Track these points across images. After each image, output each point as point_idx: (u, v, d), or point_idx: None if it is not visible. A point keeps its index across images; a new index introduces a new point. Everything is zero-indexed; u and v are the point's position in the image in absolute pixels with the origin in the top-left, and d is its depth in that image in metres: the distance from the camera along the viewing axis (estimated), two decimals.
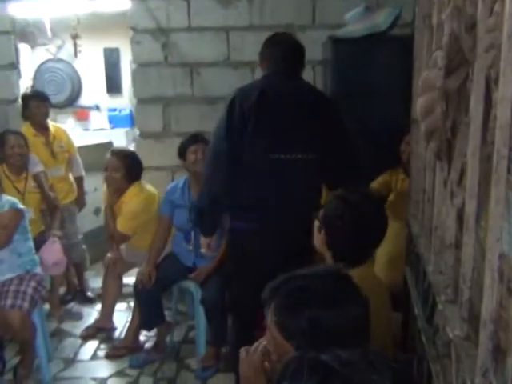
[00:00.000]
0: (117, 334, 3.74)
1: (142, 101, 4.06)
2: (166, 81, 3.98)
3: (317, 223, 1.93)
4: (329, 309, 1.21)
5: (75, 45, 5.63)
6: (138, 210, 3.47)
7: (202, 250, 2.73)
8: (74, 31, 5.45)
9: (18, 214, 3.07)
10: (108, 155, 3.52)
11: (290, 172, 2.48)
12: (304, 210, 2.50)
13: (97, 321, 3.80)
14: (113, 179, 3.46)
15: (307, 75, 3.95)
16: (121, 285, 3.77)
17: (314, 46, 3.87)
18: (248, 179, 2.44)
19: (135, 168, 3.52)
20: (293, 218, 2.51)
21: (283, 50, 2.66)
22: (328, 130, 2.55)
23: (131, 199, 3.48)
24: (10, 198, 3.11)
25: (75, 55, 5.76)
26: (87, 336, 3.68)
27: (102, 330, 3.74)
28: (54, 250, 3.40)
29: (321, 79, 3.97)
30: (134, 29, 3.95)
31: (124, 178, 3.45)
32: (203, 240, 2.69)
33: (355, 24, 3.50)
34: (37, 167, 3.72)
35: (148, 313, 3.35)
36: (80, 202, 4.31)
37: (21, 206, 3.10)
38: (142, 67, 4.00)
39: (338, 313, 1.20)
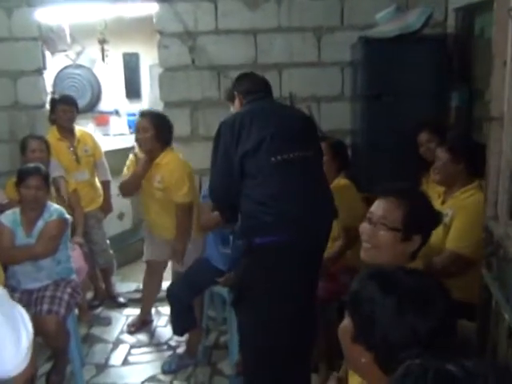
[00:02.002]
0: (146, 339, 3.71)
1: (169, 105, 4.04)
2: (193, 84, 3.97)
3: (395, 234, 1.79)
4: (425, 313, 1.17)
5: (103, 50, 5.61)
6: (184, 175, 3.36)
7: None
8: (102, 36, 5.44)
9: (64, 223, 3.08)
10: (137, 117, 3.51)
11: (302, 169, 2.48)
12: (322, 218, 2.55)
13: (140, 315, 3.90)
14: (144, 139, 3.34)
15: (336, 77, 3.96)
16: (160, 280, 3.88)
17: (343, 48, 3.88)
18: (258, 191, 2.42)
19: (165, 128, 3.39)
20: (317, 226, 2.52)
21: (256, 80, 2.82)
22: (308, 130, 2.67)
23: (171, 167, 3.34)
24: (57, 207, 3.11)
25: (103, 60, 5.75)
26: (135, 330, 3.80)
27: (144, 323, 3.88)
28: (74, 258, 3.36)
29: (349, 81, 3.94)
30: (161, 33, 3.94)
31: (155, 138, 3.33)
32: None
33: (386, 24, 3.48)
34: (56, 171, 3.70)
35: (179, 318, 3.31)
36: (106, 207, 4.28)
37: (67, 216, 3.10)
38: (169, 71, 3.99)
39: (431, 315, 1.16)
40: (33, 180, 2.98)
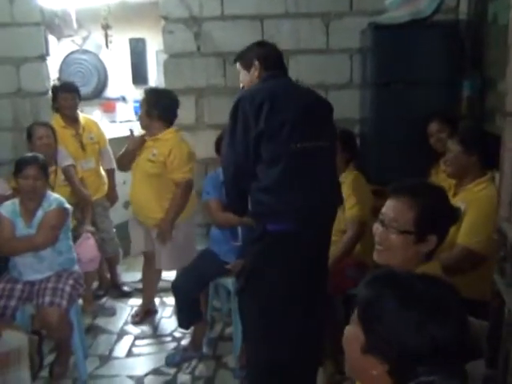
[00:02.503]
0: (151, 330, 3.68)
1: (174, 91, 3.96)
2: (198, 71, 3.89)
3: (407, 236, 1.72)
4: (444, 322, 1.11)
5: (106, 35, 5.54)
6: (184, 154, 3.33)
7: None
8: (105, 21, 5.36)
9: (64, 213, 3.04)
10: (143, 93, 3.47)
11: (320, 164, 2.40)
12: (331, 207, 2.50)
13: (142, 305, 3.87)
14: (140, 115, 3.40)
15: (344, 64, 3.87)
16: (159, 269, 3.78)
17: (352, 34, 3.80)
18: (274, 176, 2.30)
19: (159, 106, 3.32)
20: (327, 215, 2.49)
21: (277, 53, 2.61)
22: (328, 119, 2.56)
23: (169, 144, 3.31)
24: (57, 197, 3.07)
25: (106, 46, 5.68)
26: (139, 321, 3.76)
27: (148, 313, 3.84)
28: (88, 247, 3.36)
29: (358, 68, 3.84)
30: (166, 18, 3.86)
31: (146, 114, 3.32)
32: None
33: (397, 10, 3.39)
34: (66, 160, 3.67)
35: (185, 311, 3.27)
36: (112, 195, 4.24)
37: (67, 205, 3.06)
38: (174, 58, 3.92)
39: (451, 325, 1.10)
40: (30, 170, 2.93)
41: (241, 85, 2.62)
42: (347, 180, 3.07)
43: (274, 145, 2.28)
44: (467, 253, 2.32)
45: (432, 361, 1.09)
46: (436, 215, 1.71)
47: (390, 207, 1.74)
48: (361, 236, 2.99)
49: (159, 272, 3.83)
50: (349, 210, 2.99)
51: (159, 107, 3.33)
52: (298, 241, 2.33)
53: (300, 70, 3.85)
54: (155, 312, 3.90)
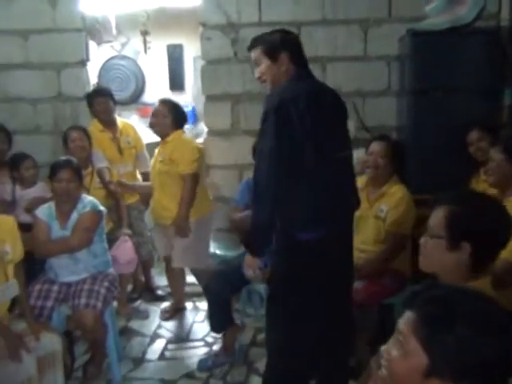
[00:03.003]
0: (183, 334, 3.69)
1: (210, 98, 4.00)
2: (235, 77, 3.91)
3: (428, 239, 1.71)
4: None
5: (145, 41, 5.61)
6: (188, 148, 3.50)
7: (249, 274, 2.45)
8: (144, 28, 5.43)
9: (98, 215, 3.07)
10: (156, 103, 3.65)
11: (344, 170, 2.40)
12: (353, 211, 2.50)
13: (172, 303, 3.98)
14: (159, 124, 3.53)
15: (382, 71, 3.83)
16: (182, 271, 3.91)
17: (390, 41, 3.76)
18: (311, 184, 2.26)
19: (181, 115, 3.60)
20: (348, 219, 2.48)
21: (299, 42, 2.45)
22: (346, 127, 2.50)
23: (175, 142, 3.50)
24: (91, 199, 3.12)
25: (145, 51, 5.75)
26: (169, 317, 3.87)
27: (178, 310, 3.93)
28: (126, 249, 3.40)
29: (396, 75, 3.80)
30: (204, 25, 3.90)
31: (171, 124, 3.51)
32: (250, 262, 2.41)
33: (437, 17, 3.36)
34: (100, 162, 3.73)
35: (217, 315, 3.27)
36: (147, 198, 4.27)
37: (101, 208, 3.10)
38: (211, 64, 3.94)
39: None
40: (64, 173, 2.98)
41: (257, 75, 2.40)
42: (390, 191, 3.00)
43: (314, 154, 2.21)
44: (509, 267, 2.26)
45: (477, 378, 1.06)
46: (470, 222, 1.64)
47: (431, 217, 1.71)
48: (401, 250, 2.93)
49: (181, 272, 3.91)
50: (391, 224, 2.92)
51: (184, 116, 3.60)
52: (327, 248, 2.30)
53: (337, 77, 3.84)
54: (184, 309, 3.99)
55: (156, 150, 3.68)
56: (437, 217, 1.66)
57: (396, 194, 2.96)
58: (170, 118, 3.51)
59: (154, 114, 3.57)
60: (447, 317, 1.10)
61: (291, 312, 2.38)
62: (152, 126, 3.61)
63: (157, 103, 3.66)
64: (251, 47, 2.42)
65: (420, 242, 1.75)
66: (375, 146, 3.01)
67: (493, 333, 1.07)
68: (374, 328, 2.86)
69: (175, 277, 3.91)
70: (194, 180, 3.47)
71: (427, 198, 3.04)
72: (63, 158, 3.20)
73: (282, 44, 2.34)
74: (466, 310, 1.11)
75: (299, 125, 2.15)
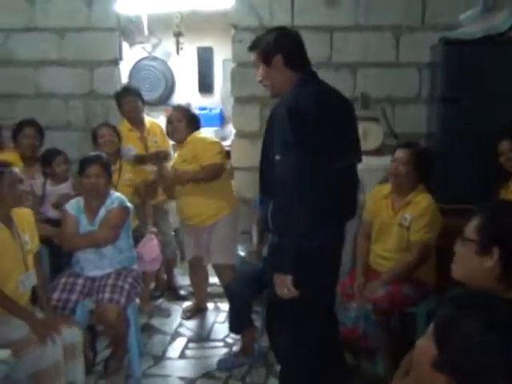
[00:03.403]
0: (204, 334, 3.71)
1: (239, 100, 4.02)
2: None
3: (463, 245, 1.67)
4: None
5: (177, 42, 5.66)
6: (208, 142, 3.57)
7: (283, 292, 2.31)
8: (178, 29, 5.48)
9: (125, 211, 3.11)
10: (171, 110, 3.73)
11: (350, 177, 2.37)
12: (352, 217, 2.49)
13: (195, 303, 4.01)
14: (177, 129, 3.58)
15: (413, 78, 3.81)
16: (205, 272, 3.99)
17: (422, 48, 3.74)
18: (317, 192, 2.16)
19: (194, 118, 3.66)
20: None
21: (302, 45, 2.32)
22: (357, 133, 2.44)
23: (193, 139, 3.56)
24: (119, 195, 3.16)
25: (177, 52, 5.80)
26: (190, 316, 3.90)
27: (200, 310, 3.97)
28: (152, 247, 3.44)
29: (427, 82, 3.78)
30: (235, 27, 3.92)
31: (187, 128, 3.56)
32: (281, 281, 2.27)
33: (471, 25, 3.32)
34: (131, 152, 3.86)
35: (237, 315, 3.28)
36: (171, 195, 4.28)
37: (128, 204, 3.14)
38: (241, 66, 3.96)
39: None
40: (93, 168, 3.02)
41: (258, 79, 2.35)
42: (416, 200, 2.95)
43: (325, 161, 2.16)
44: None
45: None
46: (501, 226, 1.62)
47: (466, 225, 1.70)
48: (424, 260, 2.90)
49: (205, 273, 3.98)
50: (415, 232, 2.88)
51: (197, 119, 3.68)
52: (330, 254, 2.33)
53: (367, 83, 3.83)
54: (206, 309, 4.02)
55: (175, 155, 3.75)
56: (471, 223, 1.65)
57: (421, 203, 2.91)
58: (185, 121, 3.57)
59: (169, 121, 3.65)
60: (455, 314, 1.12)
61: (296, 316, 2.37)
62: (169, 132, 3.68)
63: (171, 110, 3.74)
64: (250, 49, 2.35)
65: (454, 248, 1.73)
66: (398, 153, 2.99)
67: (498, 330, 1.07)
68: (396, 337, 2.84)
69: (199, 277, 3.95)
70: (213, 170, 3.48)
71: (454, 208, 3.02)
72: (93, 153, 3.25)
73: (275, 47, 2.25)
74: (474, 308, 1.11)
75: (310, 133, 2.10)
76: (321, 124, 2.12)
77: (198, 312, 3.96)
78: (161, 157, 3.84)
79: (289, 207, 2.16)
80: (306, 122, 2.09)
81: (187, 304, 4.07)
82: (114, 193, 3.17)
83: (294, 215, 2.15)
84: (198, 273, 3.92)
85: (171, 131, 3.65)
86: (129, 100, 3.92)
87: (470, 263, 1.62)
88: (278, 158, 2.15)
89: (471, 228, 1.63)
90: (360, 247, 3.19)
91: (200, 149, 3.49)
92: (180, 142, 3.62)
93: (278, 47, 2.25)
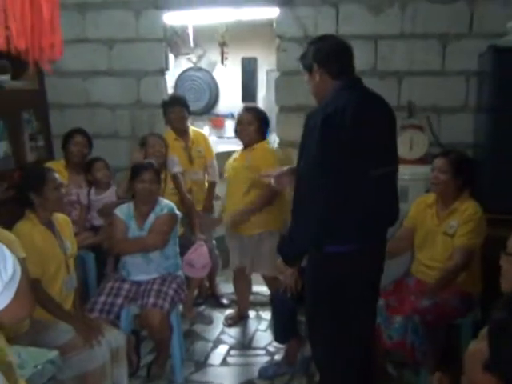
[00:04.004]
0: (246, 341, 3.71)
1: (283, 109, 4.03)
2: (308, 89, 3.91)
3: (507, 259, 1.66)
4: None
5: (222, 52, 5.74)
6: (273, 157, 3.53)
7: (281, 278, 2.49)
8: (222, 39, 5.56)
9: (174, 218, 3.18)
10: (241, 112, 3.73)
11: (387, 185, 2.31)
12: (390, 225, 2.43)
13: (237, 310, 4.02)
14: (246, 132, 3.58)
15: (460, 87, 3.75)
16: (249, 281, 3.99)
17: (470, 56, 3.69)
18: (350, 199, 2.15)
19: (266, 124, 3.68)
20: (385, 233, 2.41)
21: (345, 51, 2.31)
22: (395, 141, 2.37)
23: (261, 149, 3.56)
24: (168, 202, 3.23)
25: (222, 62, 5.88)
26: (232, 324, 3.92)
27: (242, 317, 3.98)
28: (202, 254, 3.48)
29: (475, 91, 3.71)
30: (280, 37, 3.94)
31: (256, 132, 3.57)
32: (282, 268, 2.43)
33: None
34: (176, 167, 3.84)
35: (281, 325, 3.26)
36: (208, 207, 4.29)
37: (177, 212, 3.20)
38: (285, 75, 3.98)
39: None
40: (146, 174, 3.10)
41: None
42: (461, 208, 2.91)
43: (353, 169, 2.13)
44: None
45: None
46: None
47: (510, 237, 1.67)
48: (466, 265, 2.84)
49: (249, 281, 3.98)
50: (459, 237, 2.84)
51: (268, 123, 3.67)
52: (358, 262, 2.25)
53: (412, 92, 3.79)
54: (247, 317, 4.02)
55: (234, 156, 3.73)
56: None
57: (467, 210, 2.88)
58: (256, 124, 3.58)
59: (239, 122, 3.66)
60: (510, 318, 1.10)
61: (331, 327, 2.34)
62: (237, 132, 3.68)
63: (241, 111, 3.74)
64: (299, 59, 2.42)
65: (500, 262, 1.70)
66: (437, 162, 2.97)
67: None
68: (441, 348, 2.78)
69: (243, 285, 3.96)
70: (269, 197, 3.47)
71: (502, 218, 2.95)
72: (145, 160, 3.33)
73: (312, 55, 2.30)
74: None
75: (341, 139, 2.08)
76: (355, 131, 2.10)
77: (239, 319, 3.97)
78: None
79: (303, 209, 2.17)
80: (340, 129, 2.08)
81: (229, 311, 4.09)
82: (163, 200, 3.23)
83: (306, 218, 2.16)
84: (241, 281, 3.94)
85: (240, 132, 3.65)
86: (175, 110, 3.97)
87: None
88: (302, 163, 2.18)
89: None
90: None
91: (265, 161, 3.42)
92: (247, 145, 3.63)
93: (314, 55, 2.29)
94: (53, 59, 2.32)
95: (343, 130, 2.07)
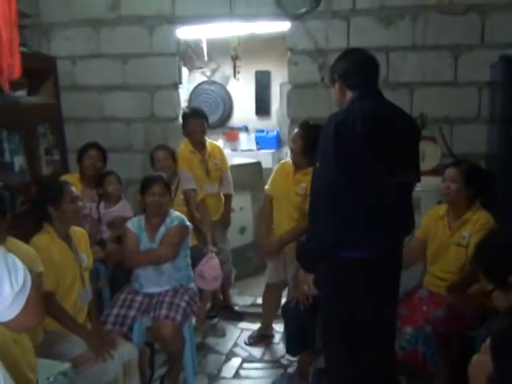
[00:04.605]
0: (259, 354, 3.70)
1: (295, 121, 4.03)
2: (321, 102, 3.92)
3: None
4: None
5: (234, 66, 5.78)
6: None
7: (304, 288, 2.46)
8: (234, 52, 5.61)
9: (185, 230, 3.20)
10: (296, 128, 3.42)
11: (401, 195, 2.31)
12: (405, 233, 2.44)
13: (260, 329, 3.93)
14: (295, 152, 3.33)
15: (472, 98, 3.74)
16: (280, 297, 3.86)
17: (482, 67, 3.69)
18: (363, 206, 2.18)
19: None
20: (399, 242, 2.41)
21: (367, 67, 2.37)
22: (416, 153, 2.39)
23: None
24: (178, 214, 3.25)
25: (234, 76, 5.92)
26: (254, 343, 3.84)
27: (265, 336, 3.89)
28: (213, 265, 3.48)
29: (487, 101, 3.70)
30: (291, 50, 3.97)
31: (302, 151, 3.25)
32: (303, 277, 2.43)
33: None
34: (188, 184, 3.84)
35: (294, 338, 3.24)
36: (225, 219, 4.30)
37: (188, 223, 3.22)
38: (297, 88, 4.01)
39: None
40: (156, 187, 3.13)
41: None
42: (473, 218, 2.90)
43: (362, 176, 2.16)
44: None
45: None
46: None
47: None
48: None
49: (280, 299, 3.85)
50: (472, 248, 2.83)
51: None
52: (371, 269, 2.25)
53: (425, 103, 3.79)
54: (271, 337, 3.93)
55: (283, 170, 3.50)
56: None
57: (480, 219, 2.87)
58: (300, 143, 3.26)
59: (293, 140, 3.39)
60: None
61: (346, 337, 2.32)
62: (291, 151, 3.45)
63: (297, 127, 3.43)
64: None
65: None
66: (448, 172, 2.98)
67: None
68: (454, 359, 2.75)
69: (273, 301, 3.85)
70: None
71: None
72: (154, 173, 3.36)
73: (333, 67, 2.44)
74: None
75: (352, 147, 2.12)
76: (366, 138, 2.13)
77: (262, 338, 3.88)
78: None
79: (317, 214, 2.23)
80: (351, 137, 2.12)
81: (245, 331, 4.02)
82: (174, 212, 3.25)
83: (321, 222, 2.21)
84: (272, 297, 3.84)
85: (291, 151, 3.43)
86: (196, 122, 3.97)
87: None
88: (317, 164, 2.23)
89: None
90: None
91: None
92: (298, 168, 3.36)
93: (335, 67, 2.42)
94: (12, 78, 2.43)
95: (354, 137, 2.12)
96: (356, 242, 2.22)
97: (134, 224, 3.20)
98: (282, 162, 3.68)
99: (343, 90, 2.35)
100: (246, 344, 3.85)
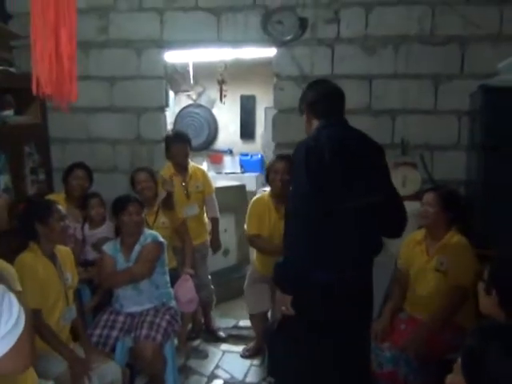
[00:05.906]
0: (241, 376, 3.70)
1: (280, 146, 4.11)
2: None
3: (482, 285, 1.80)
4: None
5: (221, 90, 5.88)
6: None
7: (282, 310, 2.46)
8: (221, 77, 5.70)
9: (159, 246, 3.22)
10: (274, 160, 3.59)
11: (364, 217, 2.37)
12: (372, 256, 2.50)
13: (255, 344, 4.01)
14: (283, 181, 3.45)
15: (452, 126, 3.84)
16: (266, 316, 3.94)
17: (461, 96, 3.80)
18: (330, 230, 2.29)
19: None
20: (367, 265, 2.49)
21: (332, 96, 2.51)
22: (383, 175, 2.48)
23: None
24: (152, 232, 3.30)
25: (220, 100, 6.01)
26: (249, 355, 3.95)
27: (260, 350, 3.95)
28: (187, 288, 3.47)
29: (467, 129, 3.81)
30: (277, 75, 4.05)
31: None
32: (281, 298, 2.42)
33: (509, 73, 3.34)
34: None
35: (273, 359, 3.26)
36: (215, 243, 4.33)
37: (161, 239, 3.24)
38: (282, 113, 4.08)
39: None
40: (131, 206, 3.18)
41: None
42: (450, 242, 2.95)
43: (327, 200, 2.26)
44: None
45: None
46: (499, 271, 1.84)
47: None
48: (462, 302, 2.87)
49: (266, 319, 3.96)
50: (452, 276, 2.87)
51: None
52: (334, 293, 2.34)
53: (406, 130, 3.88)
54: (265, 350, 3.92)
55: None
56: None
57: (456, 245, 2.92)
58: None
59: (275, 170, 3.53)
60: (479, 346, 1.13)
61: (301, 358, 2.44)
62: (273, 182, 3.57)
63: (274, 159, 3.63)
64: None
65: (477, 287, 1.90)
66: (426, 196, 3.05)
67: None
68: (434, 382, 2.78)
69: (260, 322, 3.93)
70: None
71: (491, 254, 2.99)
72: (126, 194, 3.42)
73: (302, 96, 2.59)
74: (501, 345, 1.13)
75: (320, 172, 2.24)
76: (333, 164, 2.25)
77: (257, 352, 3.96)
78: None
79: (290, 236, 2.32)
80: (320, 161, 2.24)
81: (227, 353, 4.04)
82: (148, 230, 3.29)
83: (292, 244, 2.30)
84: (258, 319, 3.92)
85: (274, 181, 3.54)
86: (179, 146, 4.00)
87: (485, 300, 1.87)
88: (290, 188, 2.40)
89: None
90: (393, 294, 3.17)
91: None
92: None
93: (304, 97, 2.58)
94: (70, 102, 2.64)
95: (323, 163, 2.24)
96: (323, 265, 2.30)
97: (110, 246, 3.24)
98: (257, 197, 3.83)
99: (310, 119, 2.51)
100: (241, 357, 3.94)
